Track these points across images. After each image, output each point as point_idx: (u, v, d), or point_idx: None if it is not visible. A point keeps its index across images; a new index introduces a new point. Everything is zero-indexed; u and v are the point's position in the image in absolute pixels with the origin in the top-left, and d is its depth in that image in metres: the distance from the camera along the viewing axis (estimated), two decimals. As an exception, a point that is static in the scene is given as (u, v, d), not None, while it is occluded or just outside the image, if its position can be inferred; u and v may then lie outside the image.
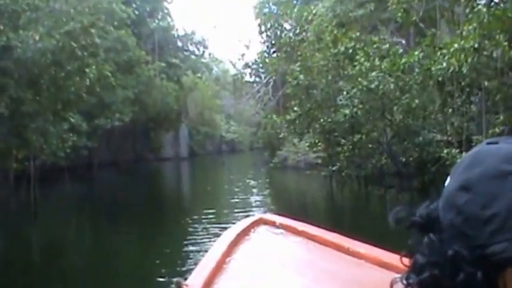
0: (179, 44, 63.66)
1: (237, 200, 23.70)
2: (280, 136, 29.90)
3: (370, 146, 20.72)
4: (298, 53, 25.35)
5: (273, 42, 38.93)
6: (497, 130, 15.24)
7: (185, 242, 14.48)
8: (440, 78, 17.50)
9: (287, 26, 36.84)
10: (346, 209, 21.47)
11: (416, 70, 18.83)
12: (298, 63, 23.94)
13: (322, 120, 21.46)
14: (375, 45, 20.56)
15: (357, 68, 19.60)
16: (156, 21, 56.83)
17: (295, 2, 37.25)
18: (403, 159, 19.83)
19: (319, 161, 24.56)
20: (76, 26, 27.51)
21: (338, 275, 3.68)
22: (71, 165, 34.76)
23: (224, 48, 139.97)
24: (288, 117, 23.83)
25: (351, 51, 21.00)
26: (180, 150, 60.85)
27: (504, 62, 15.52)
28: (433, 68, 17.29)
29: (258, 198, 25.55)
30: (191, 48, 66.95)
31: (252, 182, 32.74)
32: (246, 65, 43.87)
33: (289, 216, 4.83)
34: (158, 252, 13.69)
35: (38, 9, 26.48)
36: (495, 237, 0.84)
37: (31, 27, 25.90)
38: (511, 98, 16.04)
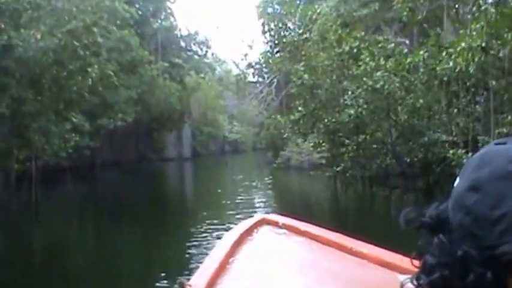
0: (182, 44, 63.69)
1: (240, 201, 23.58)
2: (284, 136, 29.81)
3: (374, 146, 20.69)
4: (303, 52, 25.27)
5: (277, 42, 38.81)
6: (504, 130, 15.11)
7: (188, 242, 14.43)
8: (445, 78, 17.39)
9: (291, 25, 36.72)
10: (350, 209, 21.34)
11: (421, 70, 18.74)
12: (303, 63, 23.87)
13: (326, 120, 21.40)
14: (379, 45, 20.46)
15: (362, 67, 19.53)
16: (159, 21, 56.89)
17: (298, 1, 37.13)
18: (408, 160, 19.80)
19: (323, 161, 24.53)
20: (78, 25, 27.35)
21: (341, 274, 3.71)
22: (73, 166, 34.72)
23: (227, 49, 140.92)
24: (292, 117, 23.77)
25: (355, 50, 20.96)
26: (183, 150, 60.79)
27: (511, 61, 15.36)
28: (438, 68, 17.20)
29: (261, 198, 25.43)
30: (194, 48, 67.01)
31: (255, 183, 32.60)
32: (249, 65, 43.93)
33: (292, 216, 4.85)
34: (161, 253, 13.70)
35: (40, 8, 26.34)
36: (504, 237, 0.83)
37: (32, 26, 25.76)
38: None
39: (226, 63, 73.12)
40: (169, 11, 58.79)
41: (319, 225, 4.55)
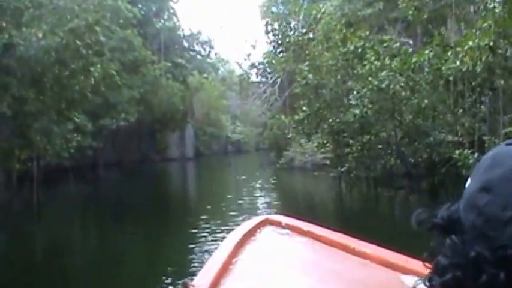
0: (185, 44, 63.74)
1: (243, 201, 23.49)
2: (288, 137, 29.70)
3: (379, 146, 20.61)
4: (307, 52, 25.15)
5: (280, 41, 38.67)
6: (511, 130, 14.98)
7: (191, 243, 14.34)
8: (451, 78, 17.27)
9: (295, 24, 36.58)
10: (355, 210, 21.17)
11: (426, 70, 18.61)
12: (307, 63, 23.75)
13: (331, 120, 21.29)
14: (384, 44, 20.35)
15: (367, 67, 19.43)
16: (162, 21, 56.95)
17: (302, 1, 37.00)
18: (413, 160, 19.70)
19: (327, 161, 24.43)
20: (80, 24, 27.22)
21: (344, 275, 3.70)
22: (75, 166, 34.60)
23: (230, 49, 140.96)
24: (296, 117, 23.64)
25: (360, 50, 20.87)
26: (186, 150, 60.76)
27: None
28: (443, 68, 17.06)
29: (264, 199, 25.31)
30: (197, 48, 67.08)
31: (259, 183, 32.47)
32: (252, 65, 43.76)
33: (296, 217, 4.80)
34: (164, 253, 13.71)
35: (41, 6, 26.24)
36: None
37: (34, 25, 25.66)
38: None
39: (229, 63, 73.27)
40: (172, 11, 58.85)
41: (323, 226, 4.53)
